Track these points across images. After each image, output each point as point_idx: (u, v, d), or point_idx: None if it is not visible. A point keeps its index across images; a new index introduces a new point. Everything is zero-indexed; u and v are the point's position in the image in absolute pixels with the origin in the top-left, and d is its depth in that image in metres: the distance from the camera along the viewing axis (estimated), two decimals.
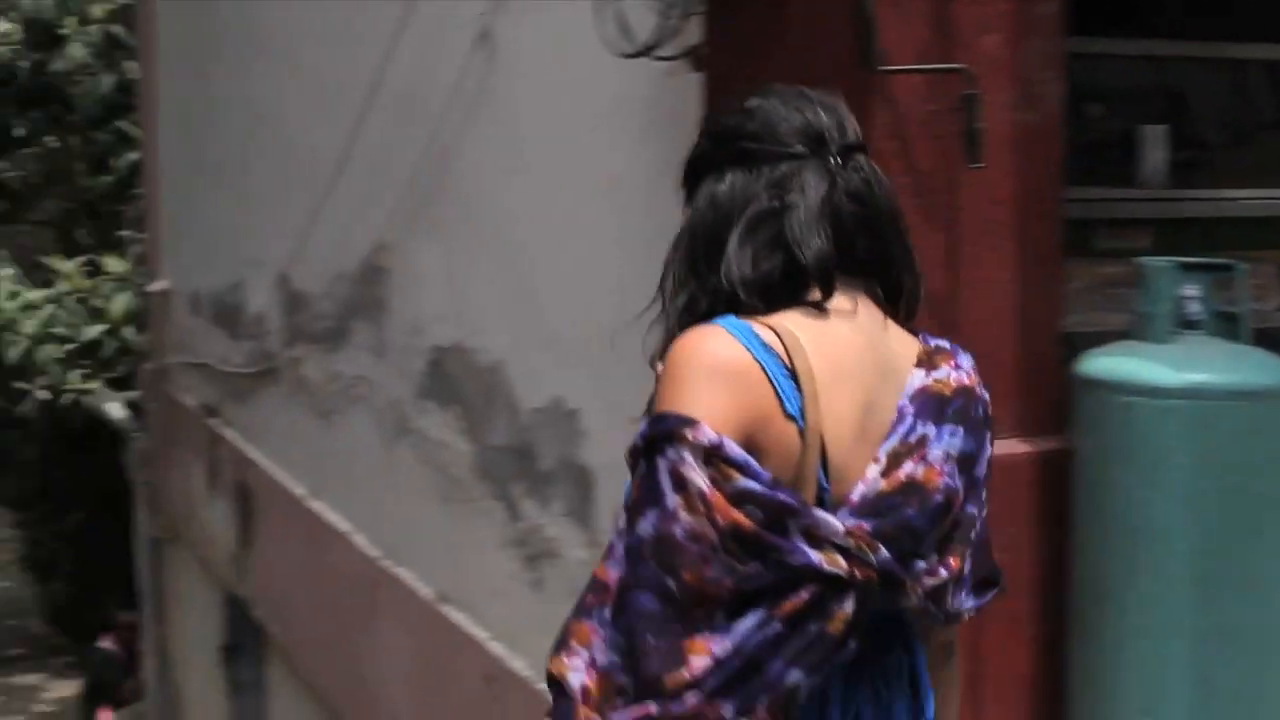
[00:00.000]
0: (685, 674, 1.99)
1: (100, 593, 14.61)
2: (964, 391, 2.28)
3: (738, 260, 2.17)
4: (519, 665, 4.29)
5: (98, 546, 15.24)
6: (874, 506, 2.12)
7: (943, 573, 2.18)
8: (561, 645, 2.08)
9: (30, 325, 12.53)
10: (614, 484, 3.63)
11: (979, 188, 3.16)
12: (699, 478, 2.01)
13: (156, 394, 10.22)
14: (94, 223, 15.41)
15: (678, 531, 2.01)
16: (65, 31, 13.98)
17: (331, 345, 5.76)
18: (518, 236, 4.17)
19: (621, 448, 1.94)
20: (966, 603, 2.28)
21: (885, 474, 2.15)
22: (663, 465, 2.03)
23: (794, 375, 2.11)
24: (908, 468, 2.17)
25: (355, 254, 5.35)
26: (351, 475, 5.65)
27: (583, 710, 2.02)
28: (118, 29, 13.57)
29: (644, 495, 2.04)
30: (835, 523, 2.07)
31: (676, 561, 2.01)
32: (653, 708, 1.99)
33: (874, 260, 2.26)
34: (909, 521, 2.13)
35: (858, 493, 2.13)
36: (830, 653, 2.07)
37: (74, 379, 12.29)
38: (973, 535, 2.25)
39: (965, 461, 2.24)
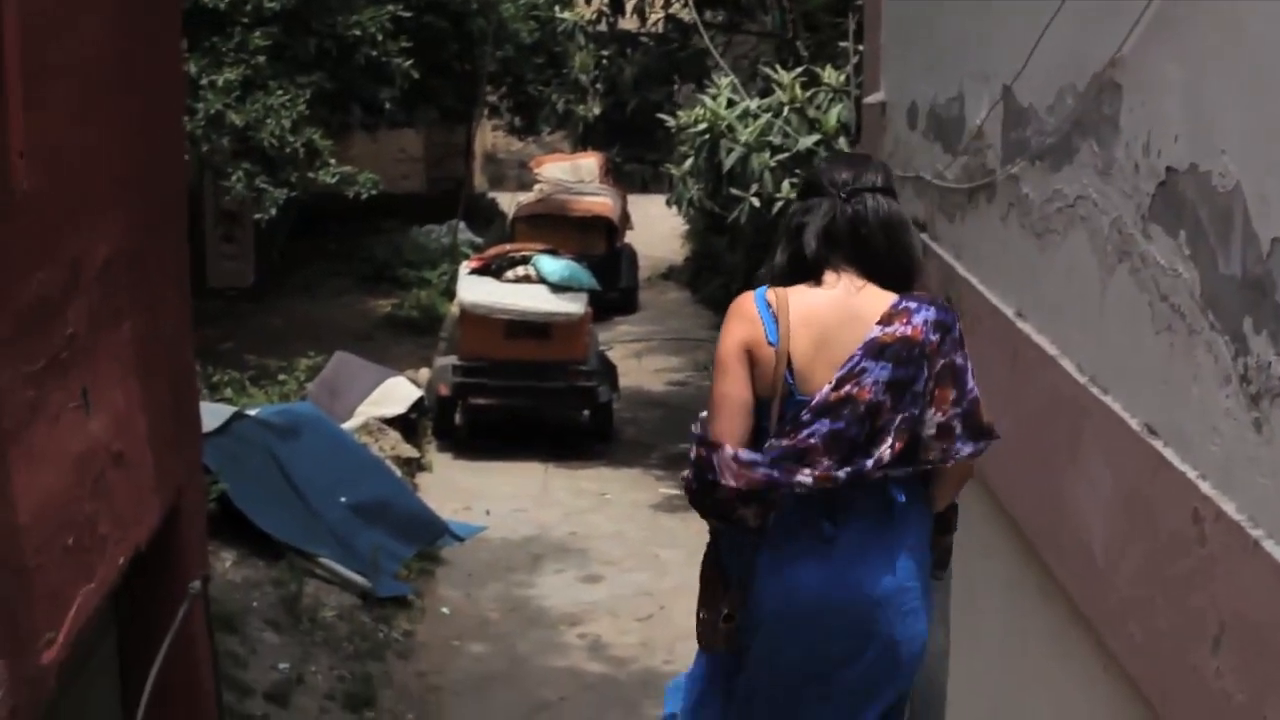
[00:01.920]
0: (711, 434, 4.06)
1: None
2: (903, 339, 4.01)
3: (776, 255, 4.20)
4: (1230, 507, 4.06)
5: None
6: (823, 407, 3.96)
7: (886, 454, 4.00)
8: None
9: (746, 133, 12.86)
10: None
11: None
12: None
13: None
14: (812, 34, 15.66)
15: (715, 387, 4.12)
16: None
17: (1053, 163, 5.58)
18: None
19: None
20: (965, 449, 4.15)
21: (834, 389, 3.97)
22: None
23: (777, 318, 4.03)
24: (848, 388, 3.96)
25: (1086, 68, 5.13)
26: (1063, 298, 5.49)
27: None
28: None
29: None
30: (807, 479, 3.96)
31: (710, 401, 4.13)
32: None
33: (859, 257, 4.11)
34: (841, 431, 3.95)
35: (816, 398, 3.96)
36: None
37: (784, 188, 12.57)
38: (915, 427, 4.05)
39: (897, 385, 4.00)
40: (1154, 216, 4.54)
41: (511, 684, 10.67)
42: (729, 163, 12.85)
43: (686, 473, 4.05)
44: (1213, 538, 4.12)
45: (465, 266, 17.58)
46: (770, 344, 4.00)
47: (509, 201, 25.61)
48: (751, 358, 4.03)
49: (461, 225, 24.98)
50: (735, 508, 3.98)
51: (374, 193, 17.15)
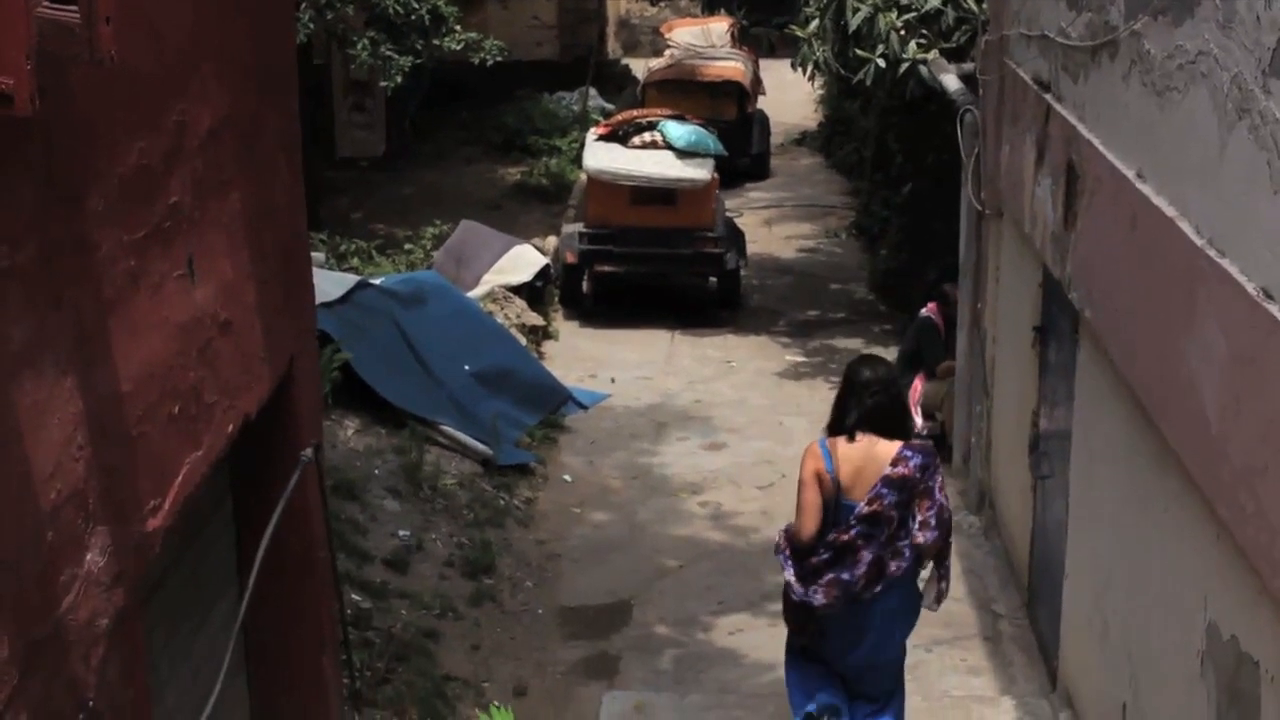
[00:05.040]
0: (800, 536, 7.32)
1: (925, 263, 14.86)
2: (902, 477, 7.06)
3: (831, 417, 7.38)
4: None
5: (925, 217, 15.46)
6: (860, 517, 7.06)
7: (898, 544, 7.17)
8: None
9: None
10: None
11: None
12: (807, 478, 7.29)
13: (993, 66, 10.07)
14: None
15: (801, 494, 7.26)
16: None
17: (1175, 17, 5.38)
18: None
19: None
20: (934, 534, 7.10)
21: (867, 505, 7.07)
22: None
23: (832, 457, 7.13)
24: (874, 505, 7.05)
25: None
26: (1182, 158, 5.32)
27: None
28: None
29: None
30: (819, 599, 7.28)
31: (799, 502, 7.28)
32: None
33: (874, 426, 7.16)
34: (871, 533, 7.08)
35: (857, 511, 7.08)
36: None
37: (911, 49, 12.31)
38: (908, 527, 7.14)
39: (900, 504, 7.08)
40: (1274, 71, 4.36)
41: (631, 551, 10.68)
42: (855, 23, 12.60)
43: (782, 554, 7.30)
44: None
45: (592, 133, 17.42)
46: (828, 471, 7.07)
47: (642, 67, 25.35)
48: (819, 478, 7.07)
49: (592, 92, 24.80)
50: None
51: (499, 59, 17.03)
